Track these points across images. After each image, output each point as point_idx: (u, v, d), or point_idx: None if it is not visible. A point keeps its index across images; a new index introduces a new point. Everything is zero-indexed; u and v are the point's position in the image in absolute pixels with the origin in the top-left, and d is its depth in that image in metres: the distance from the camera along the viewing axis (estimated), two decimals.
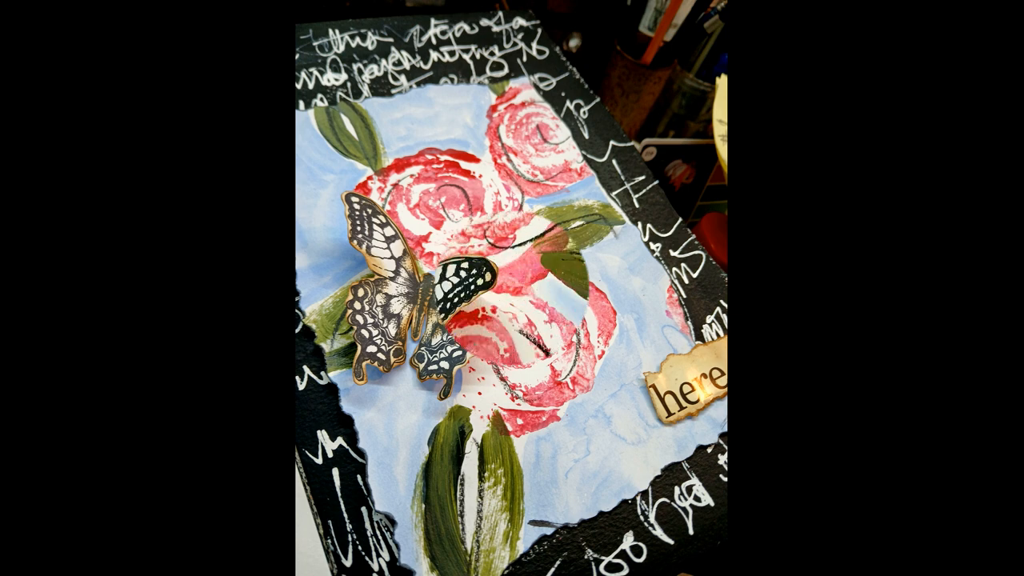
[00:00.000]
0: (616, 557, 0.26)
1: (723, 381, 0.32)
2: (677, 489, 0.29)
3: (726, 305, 0.36)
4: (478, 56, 0.47)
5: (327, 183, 0.39)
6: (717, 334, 0.35)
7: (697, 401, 0.31)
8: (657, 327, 0.35)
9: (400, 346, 0.30)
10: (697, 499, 0.29)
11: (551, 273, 0.34)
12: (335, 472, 0.26)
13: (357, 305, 0.29)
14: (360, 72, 0.43)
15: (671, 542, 0.27)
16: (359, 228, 0.33)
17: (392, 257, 0.33)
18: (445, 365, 0.29)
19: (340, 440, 0.27)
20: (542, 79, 0.47)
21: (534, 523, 0.26)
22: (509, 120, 0.47)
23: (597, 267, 0.36)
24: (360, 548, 0.24)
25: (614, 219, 0.37)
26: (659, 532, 0.27)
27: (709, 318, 0.36)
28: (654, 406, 0.30)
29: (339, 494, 0.25)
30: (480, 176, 0.42)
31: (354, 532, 0.24)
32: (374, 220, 0.34)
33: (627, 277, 0.35)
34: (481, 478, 0.28)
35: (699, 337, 0.35)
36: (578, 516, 0.27)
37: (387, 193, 0.39)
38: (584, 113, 0.46)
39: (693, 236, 0.38)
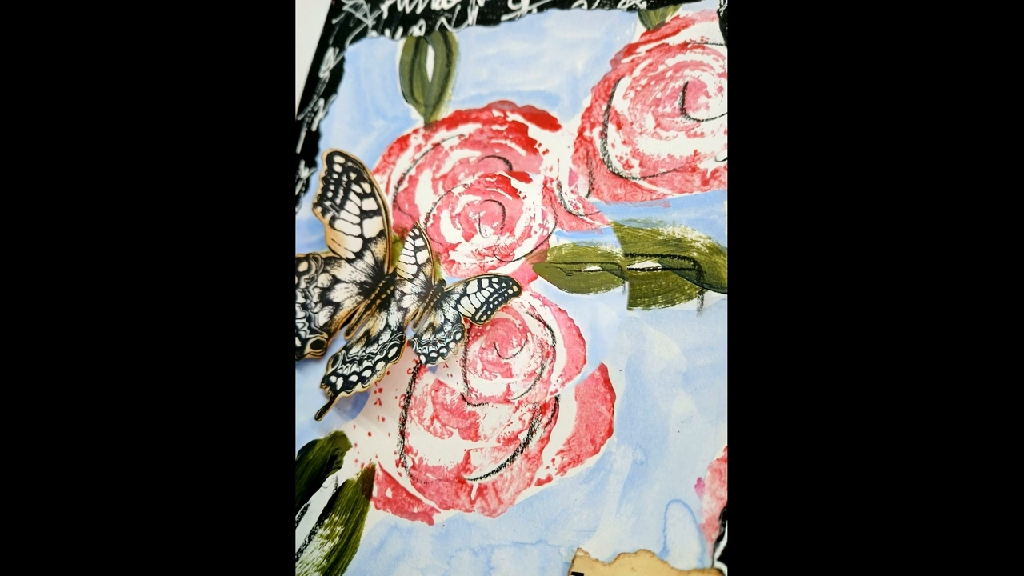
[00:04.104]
0: None
1: None
2: None
3: None
4: None
5: (372, 130, 0.35)
6: None
7: None
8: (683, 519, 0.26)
9: (323, 339, 0.29)
10: None
11: (540, 276, 0.31)
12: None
13: (294, 280, 0.30)
14: None
15: None
16: (330, 193, 0.30)
17: (360, 236, 0.30)
18: (337, 382, 0.29)
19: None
20: None
21: None
22: (643, 72, 0.33)
23: (590, 315, 0.30)
24: None
25: (714, 279, 0.27)
26: None
27: None
28: None
29: None
30: (545, 153, 0.32)
31: None
32: (353, 188, 0.30)
33: (613, 334, 0.27)
34: (320, 522, 0.29)
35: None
36: None
37: (421, 154, 0.34)
38: None
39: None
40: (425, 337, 0.31)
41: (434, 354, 0.31)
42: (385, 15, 0.39)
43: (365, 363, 0.30)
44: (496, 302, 0.31)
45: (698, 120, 0.32)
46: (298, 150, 0.37)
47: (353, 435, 0.31)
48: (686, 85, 0.32)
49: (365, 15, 0.39)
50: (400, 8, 0.38)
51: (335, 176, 0.31)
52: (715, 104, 0.32)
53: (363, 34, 0.39)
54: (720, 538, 0.26)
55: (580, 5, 0.35)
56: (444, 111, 0.35)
